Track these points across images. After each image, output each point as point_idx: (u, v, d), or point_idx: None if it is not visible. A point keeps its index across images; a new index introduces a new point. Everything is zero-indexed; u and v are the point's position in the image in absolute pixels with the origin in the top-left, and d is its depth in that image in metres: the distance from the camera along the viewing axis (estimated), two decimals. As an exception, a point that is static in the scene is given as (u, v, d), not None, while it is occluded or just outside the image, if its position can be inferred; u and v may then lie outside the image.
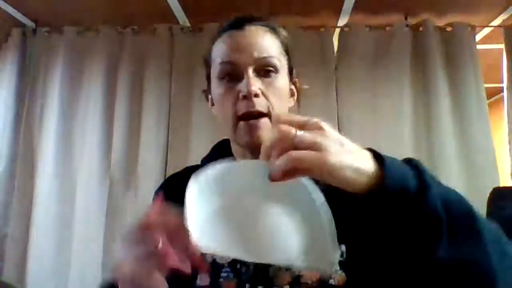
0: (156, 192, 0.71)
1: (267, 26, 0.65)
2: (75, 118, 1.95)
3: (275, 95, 0.61)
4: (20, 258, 1.83)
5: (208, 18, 1.92)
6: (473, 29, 1.91)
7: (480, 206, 1.31)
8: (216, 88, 0.64)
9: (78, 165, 1.90)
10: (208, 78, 0.69)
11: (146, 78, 1.94)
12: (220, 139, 0.74)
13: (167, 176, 0.73)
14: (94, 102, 1.93)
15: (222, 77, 0.62)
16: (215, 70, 0.64)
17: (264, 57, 0.61)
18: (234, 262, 0.57)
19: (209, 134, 1.83)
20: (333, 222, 0.41)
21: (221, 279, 0.56)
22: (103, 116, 1.92)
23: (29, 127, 1.95)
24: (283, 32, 0.67)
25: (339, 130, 1.83)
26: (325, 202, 0.42)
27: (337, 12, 1.87)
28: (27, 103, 1.97)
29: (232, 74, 0.61)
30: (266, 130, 0.60)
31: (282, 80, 0.63)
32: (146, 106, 1.91)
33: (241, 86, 0.59)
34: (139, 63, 1.96)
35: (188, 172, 0.73)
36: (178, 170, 0.73)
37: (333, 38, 1.95)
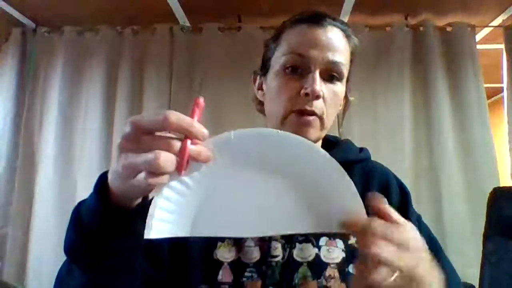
0: None
1: (344, 31, 0.62)
2: (75, 118, 1.95)
3: (332, 102, 0.60)
4: (20, 258, 1.83)
5: (208, 18, 1.92)
6: (473, 29, 1.91)
7: (480, 206, 1.31)
8: (276, 77, 0.62)
9: (78, 165, 1.90)
10: (264, 61, 0.67)
11: (146, 78, 1.94)
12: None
13: None
14: (94, 102, 1.93)
15: (286, 66, 0.60)
16: (279, 59, 0.61)
17: (336, 62, 0.59)
18: (259, 263, 0.56)
19: (209, 134, 1.83)
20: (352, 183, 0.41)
21: (245, 278, 0.55)
22: (103, 116, 1.92)
23: (29, 127, 1.95)
24: (355, 41, 0.65)
25: (339, 129, 1.83)
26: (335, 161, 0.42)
27: (337, 12, 1.86)
28: (27, 103, 1.97)
29: (298, 67, 0.59)
30: (315, 129, 0.59)
31: (341, 88, 0.62)
32: (146, 106, 1.91)
33: (306, 83, 0.57)
34: (139, 63, 1.96)
35: None
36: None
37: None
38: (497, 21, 1.93)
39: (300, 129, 0.58)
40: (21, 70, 2.01)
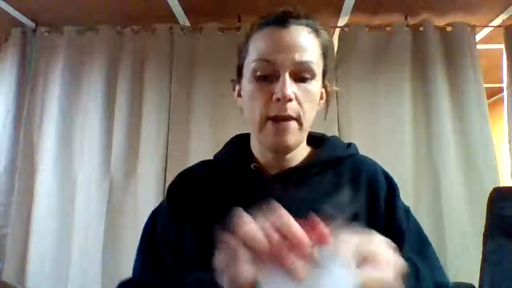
0: (170, 187, 0.68)
1: (310, 26, 0.62)
2: (75, 118, 1.95)
3: (307, 100, 0.60)
4: (20, 258, 1.83)
5: (208, 18, 1.93)
6: (473, 29, 1.91)
7: (480, 206, 1.31)
8: (248, 84, 0.62)
9: (78, 165, 1.90)
10: (239, 68, 0.67)
11: (146, 78, 1.94)
12: (220, 138, 0.74)
13: (179, 172, 0.71)
14: (94, 102, 1.93)
15: (256, 74, 0.60)
16: (249, 65, 0.61)
17: (304, 62, 0.58)
18: None
19: (209, 134, 1.84)
20: None
21: None
22: (103, 116, 1.92)
23: (29, 127, 1.95)
24: (325, 35, 0.64)
25: (339, 129, 1.84)
26: None
27: (337, 12, 1.87)
28: (27, 103, 1.97)
29: (268, 73, 0.59)
30: (293, 133, 0.59)
31: (316, 85, 0.62)
32: (146, 106, 1.91)
33: (276, 88, 0.57)
34: (139, 63, 1.96)
35: (201, 166, 0.70)
36: (178, 171, 0.71)
37: (333, 38, 1.95)
38: (497, 21, 1.93)
39: (278, 136, 0.58)
40: (21, 70, 2.01)
